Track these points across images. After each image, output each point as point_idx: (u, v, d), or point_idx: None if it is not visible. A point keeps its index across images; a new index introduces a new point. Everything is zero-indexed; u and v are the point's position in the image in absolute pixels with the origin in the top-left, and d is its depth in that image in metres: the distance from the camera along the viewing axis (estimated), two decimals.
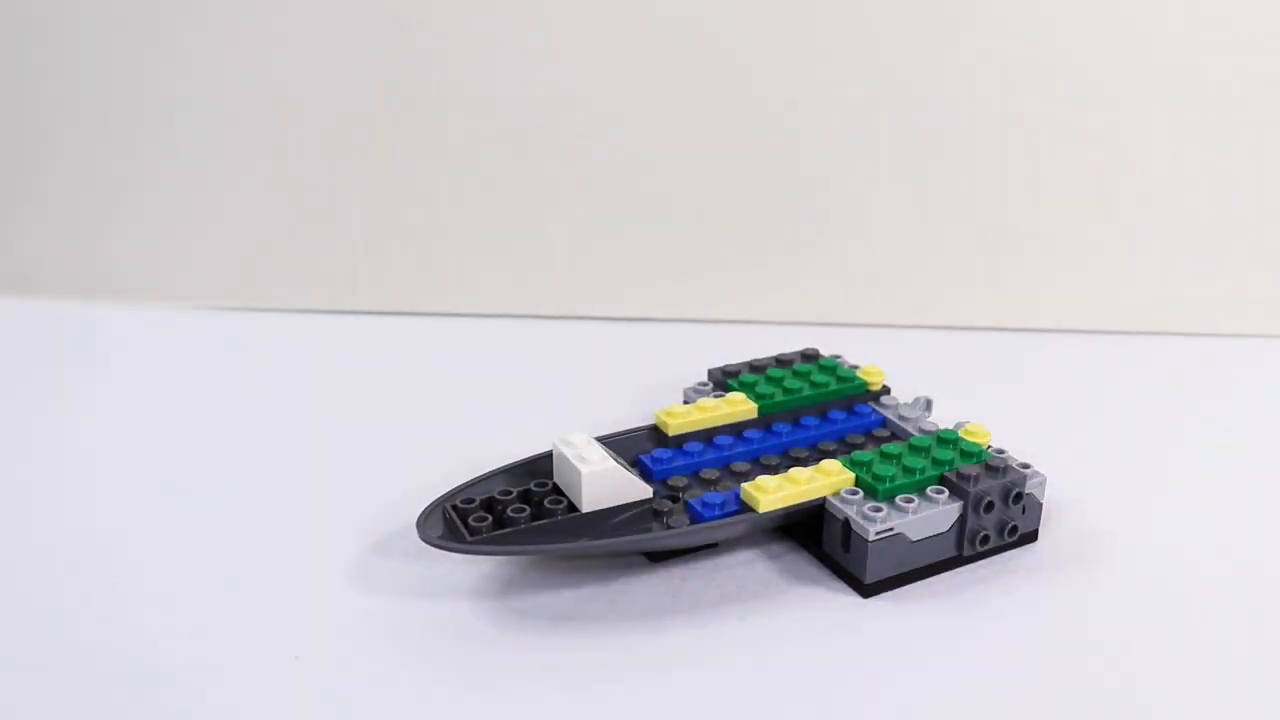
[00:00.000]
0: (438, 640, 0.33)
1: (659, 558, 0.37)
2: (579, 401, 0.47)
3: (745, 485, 0.36)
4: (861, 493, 0.36)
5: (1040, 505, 0.38)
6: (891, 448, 0.37)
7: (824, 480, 0.36)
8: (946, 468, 0.36)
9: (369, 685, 0.31)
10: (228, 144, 0.56)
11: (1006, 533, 0.37)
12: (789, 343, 0.47)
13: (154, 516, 0.39)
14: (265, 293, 0.57)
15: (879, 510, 0.35)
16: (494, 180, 0.55)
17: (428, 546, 0.34)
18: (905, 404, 0.43)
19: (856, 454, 0.37)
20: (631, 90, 0.54)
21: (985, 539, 0.36)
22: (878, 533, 0.34)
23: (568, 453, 0.35)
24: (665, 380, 0.47)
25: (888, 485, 0.35)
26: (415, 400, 0.48)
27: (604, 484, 0.35)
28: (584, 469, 0.34)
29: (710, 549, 0.37)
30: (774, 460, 0.40)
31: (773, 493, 0.35)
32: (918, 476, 0.36)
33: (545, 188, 0.56)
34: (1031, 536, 0.38)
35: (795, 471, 0.36)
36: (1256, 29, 0.53)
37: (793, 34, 0.53)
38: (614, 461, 0.35)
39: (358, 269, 0.57)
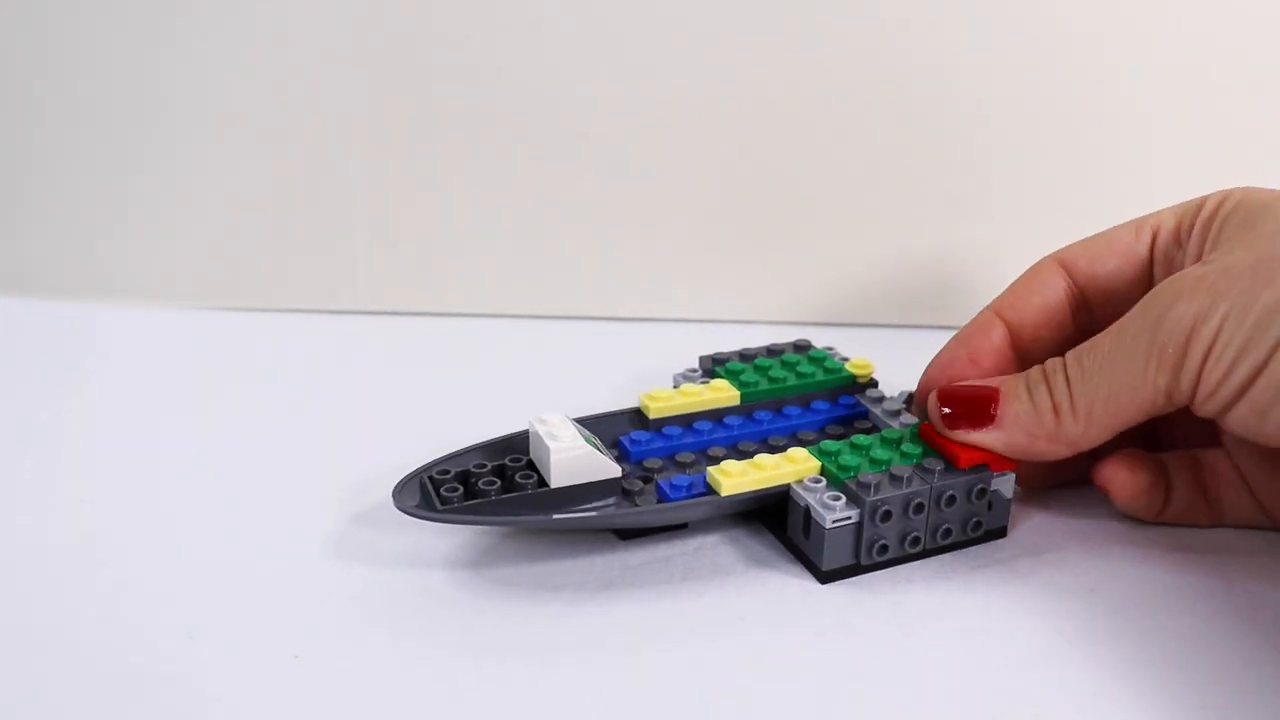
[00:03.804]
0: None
1: (628, 535, 0.38)
2: (575, 398, 0.47)
3: (710, 469, 0.37)
4: (825, 481, 0.36)
5: (1008, 501, 0.38)
6: (861, 439, 0.38)
7: (789, 467, 0.37)
8: (914, 460, 0.37)
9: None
10: (228, 144, 0.56)
11: (970, 528, 0.37)
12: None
13: (154, 514, 0.39)
14: (265, 293, 0.58)
15: (838, 499, 0.35)
16: (494, 180, 0.56)
17: (408, 520, 0.36)
18: (890, 398, 0.43)
19: (825, 443, 0.38)
20: (632, 91, 0.54)
21: (948, 533, 0.37)
22: (834, 521, 0.35)
23: (540, 430, 0.37)
24: (661, 376, 0.47)
25: (851, 475, 0.36)
26: (414, 399, 0.49)
27: (573, 461, 0.36)
28: (553, 445, 0.36)
29: (680, 530, 0.38)
30: (751, 447, 0.40)
31: (736, 477, 0.36)
32: (883, 468, 0.36)
33: (545, 188, 0.56)
34: (1000, 532, 0.38)
35: (761, 458, 0.37)
36: (1254, 29, 0.52)
37: (791, 34, 0.53)
38: (584, 440, 0.36)
39: (358, 269, 0.57)
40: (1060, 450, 0.35)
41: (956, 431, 0.36)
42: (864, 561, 0.36)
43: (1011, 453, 0.36)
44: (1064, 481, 0.41)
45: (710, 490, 0.37)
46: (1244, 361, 0.31)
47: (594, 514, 0.36)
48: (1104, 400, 0.33)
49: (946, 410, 0.36)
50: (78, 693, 0.31)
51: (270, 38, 0.54)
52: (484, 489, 0.36)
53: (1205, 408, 0.32)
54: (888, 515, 0.35)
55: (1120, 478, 0.37)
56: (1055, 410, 0.34)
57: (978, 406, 0.36)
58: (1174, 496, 0.38)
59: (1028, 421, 0.35)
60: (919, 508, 0.36)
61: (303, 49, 0.54)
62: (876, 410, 0.42)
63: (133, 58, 0.55)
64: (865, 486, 0.35)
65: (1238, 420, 0.32)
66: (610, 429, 0.41)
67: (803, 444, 0.40)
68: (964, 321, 0.54)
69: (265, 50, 0.54)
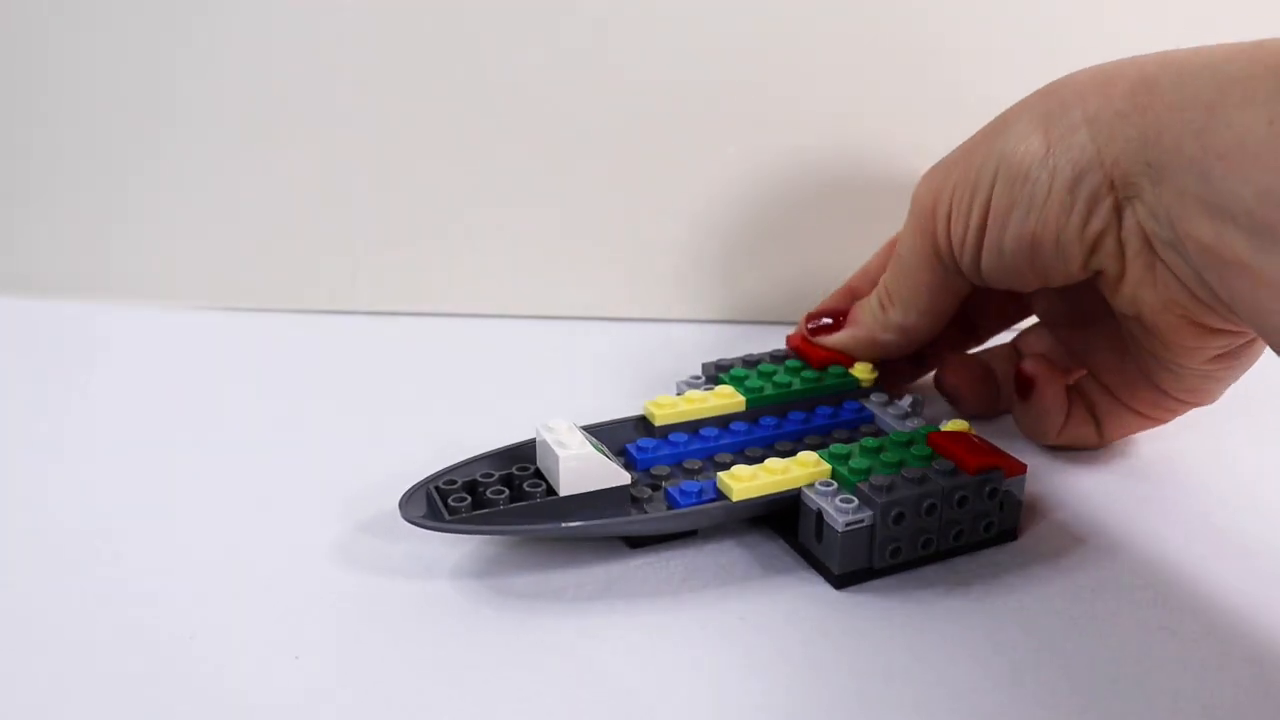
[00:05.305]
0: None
1: (638, 543, 0.37)
2: (578, 398, 0.48)
3: (721, 474, 0.37)
4: (836, 484, 0.36)
5: (1020, 503, 0.38)
6: (870, 441, 0.38)
7: (800, 471, 0.36)
8: (925, 463, 0.37)
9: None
10: (227, 144, 0.56)
11: (983, 528, 0.37)
12: None
13: (154, 515, 0.39)
14: (265, 293, 0.57)
15: (850, 502, 0.35)
16: (494, 180, 0.56)
17: (412, 527, 0.35)
18: (894, 402, 0.43)
19: (834, 446, 0.37)
20: (632, 92, 0.54)
21: (960, 533, 0.36)
22: (847, 524, 0.34)
23: (548, 438, 0.36)
24: (665, 378, 0.47)
25: (863, 478, 0.36)
26: (415, 399, 0.49)
27: (582, 469, 0.35)
28: (562, 453, 0.35)
29: (690, 536, 0.38)
30: (758, 453, 0.40)
31: (747, 481, 0.36)
32: (895, 470, 0.36)
33: (546, 188, 0.56)
34: (1011, 534, 0.38)
35: (771, 462, 0.37)
36: (1257, 27, 0.52)
37: (791, 34, 0.53)
38: (592, 447, 0.36)
39: (358, 269, 0.57)
40: (895, 338, 0.43)
41: (820, 337, 0.44)
42: (877, 564, 0.35)
43: (861, 347, 0.44)
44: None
45: (721, 496, 0.36)
46: (974, 209, 0.38)
47: (604, 522, 0.35)
48: (904, 284, 0.42)
49: (811, 325, 0.45)
50: (78, 693, 0.31)
51: (272, 39, 0.54)
52: (492, 498, 0.35)
53: (965, 261, 0.39)
54: (900, 517, 0.35)
55: (955, 377, 0.46)
56: (882, 305, 0.43)
57: (835, 316, 0.45)
58: (1004, 391, 0.46)
59: (867, 317, 0.43)
60: (931, 509, 0.35)
61: (304, 50, 0.54)
62: (881, 414, 0.42)
63: (133, 58, 0.55)
64: (879, 489, 0.35)
65: (991, 265, 0.38)
66: (615, 437, 0.40)
67: (809, 449, 0.40)
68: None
69: (266, 52, 0.54)
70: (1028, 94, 0.38)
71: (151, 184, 0.57)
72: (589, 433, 0.39)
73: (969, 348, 0.48)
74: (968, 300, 0.42)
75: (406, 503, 0.36)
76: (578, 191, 0.56)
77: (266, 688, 0.31)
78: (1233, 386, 0.41)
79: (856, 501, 0.35)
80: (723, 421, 0.41)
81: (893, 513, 0.35)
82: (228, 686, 0.31)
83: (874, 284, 0.45)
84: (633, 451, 0.40)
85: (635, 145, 0.55)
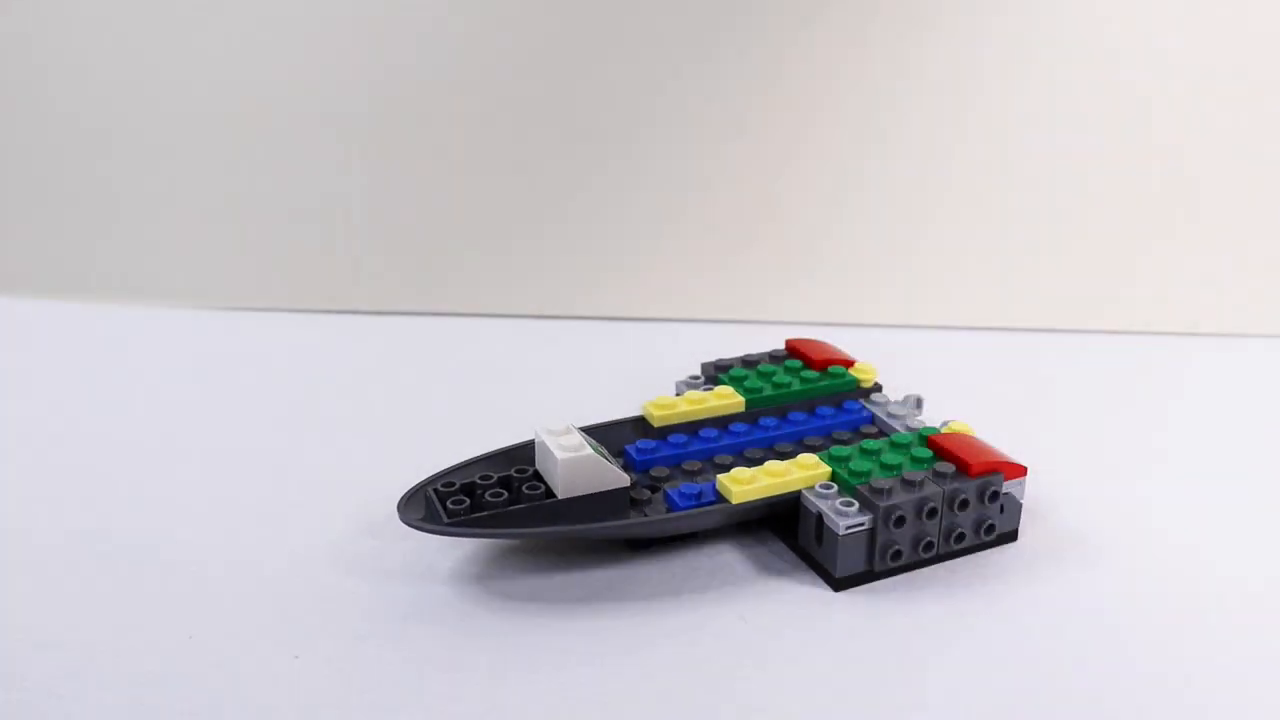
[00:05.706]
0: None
1: (638, 545, 0.37)
2: (577, 398, 0.47)
3: (720, 477, 0.36)
4: (836, 487, 0.36)
5: (1020, 505, 0.38)
6: (871, 444, 0.38)
7: (800, 474, 0.36)
8: (925, 465, 0.37)
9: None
10: (228, 144, 0.56)
11: (983, 531, 0.37)
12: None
13: (153, 516, 0.39)
14: (265, 293, 0.58)
15: (850, 505, 0.35)
16: (494, 180, 0.56)
17: (410, 529, 0.35)
18: (894, 402, 0.43)
19: (835, 449, 0.37)
20: (631, 92, 0.54)
21: (960, 536, 0.36)
22: (848, 527, 0.34)
23: (547, 440, 0.36)
24: (664, 378, 0.47)
25: (864, 481, 0.36)
26: (414, 399, 0.49)
27: (581, 471, 0.35)
28: (561, 456, 0.35)
29: (690, 538, 0.38)
30: (758, 454, 0.40)
31: (747, 484, 0.36)
32: (895, 473, 0.36)
33: (545, 188, 0.56)
34: (1011, 536, 0.38)
35: (771, 464, 0.37)
36: (1260, 29, 0.52)
37: (787, 35, 0.53)
38: (591, 449, 0.36)
39: (358, 269, 0.57)
40: None
41: None
42: (877, 567, 0.35)
43: None
44: None
45: (720, 498, 0.36)
46: None
47: (603, 525, 0.35)
48: None
49: None
50: (78, 692, 0.31)
51: (270, 38, 0.54)
52: (491, 501, 0.35)
53: None
54: (901, 520, 0.35)
55: None
56: None
57: None
58: None
59: None
60: (932, 512, 0.35)
61: (302, 50, 0.54)
62: (882, 414, 0.42)
63: (133, 59, 0.55)
64: (879, 492, 0.35)
65: None
66: (614, 438, 0.40)
67: (810, 450, 0.40)
68: (967, 322, 0.53)
69: (267, 52, 0.55)
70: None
71: (152, 185, 0.57)
72: (588, 434, 0.39)
73: None
74: None
75: (405, 505, 0.35)
76: (576, 191, 0.56)
77: (266, 688, 0.31)
78: (1229, 388, 0.41)
79: (857, 505, 0.35)
80: (722, 422, 0.41)
81: (893, 516, 0.35)
82: (228, 686, 0.31)
83: None
84: (632, 453, 0.40)
85: (635, 145, 0.55)
